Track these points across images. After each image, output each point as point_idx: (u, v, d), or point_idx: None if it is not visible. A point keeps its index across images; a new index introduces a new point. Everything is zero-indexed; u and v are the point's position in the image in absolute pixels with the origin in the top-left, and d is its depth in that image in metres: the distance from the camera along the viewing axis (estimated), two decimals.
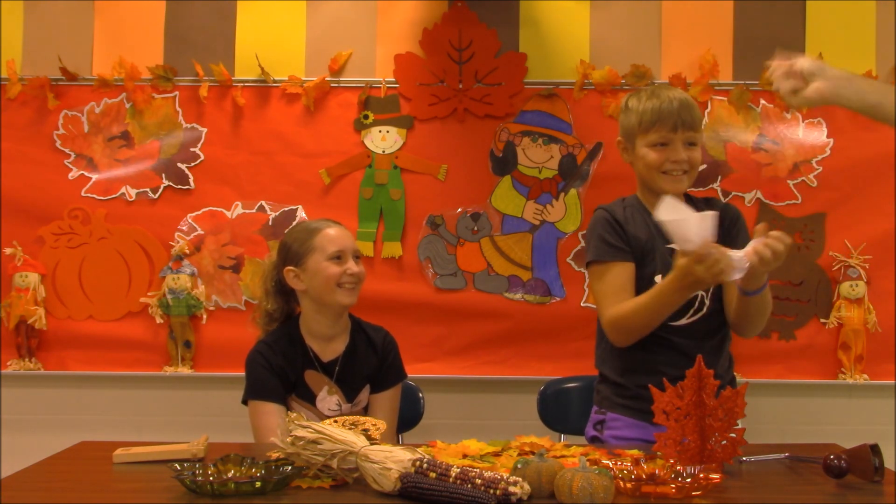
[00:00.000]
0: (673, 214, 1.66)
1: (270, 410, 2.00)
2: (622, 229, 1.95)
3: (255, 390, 2.04)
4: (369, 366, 2.11)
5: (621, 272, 1.92)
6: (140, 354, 2.93)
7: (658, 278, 1.90)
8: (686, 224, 1.65)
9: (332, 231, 2.09)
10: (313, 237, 2.08)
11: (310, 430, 1.48)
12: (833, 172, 2.91)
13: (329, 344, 2.10)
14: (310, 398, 2.05)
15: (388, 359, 2.13)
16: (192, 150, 2.97)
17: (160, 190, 2.96)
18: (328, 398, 2.05)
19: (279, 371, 2.04)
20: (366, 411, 2.10)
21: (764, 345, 2.91)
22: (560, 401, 2.49)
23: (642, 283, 1.93)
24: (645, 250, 1.94)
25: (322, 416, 1.99)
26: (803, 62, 1.64)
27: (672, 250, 1.85)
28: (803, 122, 2.93)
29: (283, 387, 2.04)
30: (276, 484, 1.40)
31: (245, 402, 2.06)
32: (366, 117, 2.96)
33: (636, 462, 1.50)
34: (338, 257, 2.05)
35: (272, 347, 2.07)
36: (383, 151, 2.97)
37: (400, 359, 2.17)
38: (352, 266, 2.05)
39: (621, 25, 2.97)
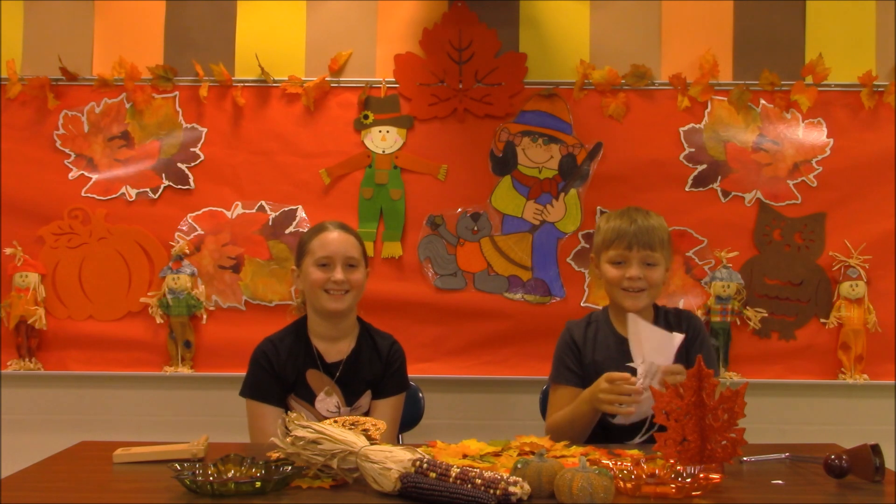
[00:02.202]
0: (642, 327, 1.84)
1: (267, 413, 2.01)
2: (579, 352, 2.11)
3: (255, 390, 2.05)
4: (372, 371, 2.09)
5: (567, 394, 2.07)
6: (140, 354, 2.93)
7: None
8: (654, 337, 1.82)
9: (329, 235, 2.07)
10: (311, 239, 2.08)
11: (310, 430, 1.48)
12: (833, 172, 2.91)
13: (334, 345, 2.10)
14: (309, 398, 2.05)
15: (392, 367, 2.11)
16: (192, 150, 2.97)
17: (160, 190, 2.96)
18: (327, 399, 2.05)
19: (280, 372, 2.04)
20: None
21: (764, 345, 2.91)
22: None
23: None
24: (599, 371, 1.98)
25: (320, 417, 1.99)
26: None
27: (630, 370, 1.90)
28: (803, 122, 2.94)
29: (282, 388, 2.04)
30: (276, 484, 1.40)
31: (241, 395, 2.07)
32: (366, 117, 2.96)
33: (636, 462, 1.50)
34: (324, 264, 2.04)
35: (277, 346, 2.07)
36: (383, 151, 2.97)
37: (405, 370, 2.15)
38: (337, 274, 2.03)
39: (621, 25, 2.97)
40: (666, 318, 2.11)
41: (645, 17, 2.97)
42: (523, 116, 2.96)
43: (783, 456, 1.70)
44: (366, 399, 2.09)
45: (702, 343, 2.08)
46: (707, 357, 1.98)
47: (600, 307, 2.27)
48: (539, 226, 2.95)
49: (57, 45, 2.96)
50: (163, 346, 2.93)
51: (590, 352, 2.09)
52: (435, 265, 2.95)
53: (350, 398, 2.07)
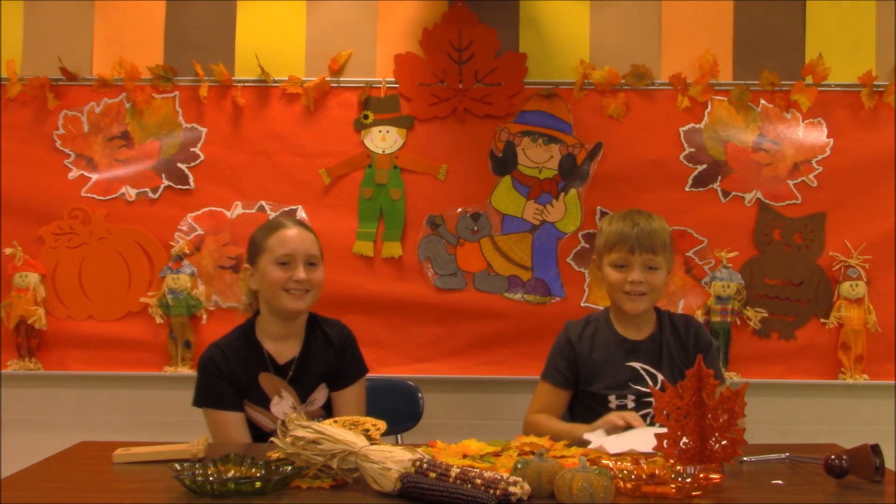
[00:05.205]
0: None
1: (230, 420, 1.95)
2: (573, 353, 2.11)
3: (211, 399, 1.97)
4: (326, 363, 2.04)
5: (551, 393, 2.12)
6: (140, 354, 2.93)
7: (612, 397, 2.04)
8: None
9: (287, 232, 2.00)
10: (268, 237, 2.01)
11: (310, 430, 1.48)
12: (833, 172, 2.91)
13: (285, 344, 2.03)
14: (264, 402, 1.99)
15: (347, 354, 2.06)
16: (192, 150, 2.96)
17: (160, 190, 2.96)
18: (282, 402, 2.00)
19: (231, 377, 1.97)
20: (326, 410, 2.04)
21: (764, 345, 2.91)
22: None
23: (594, 399, 2.06)
24: (597, 370, 2.07)
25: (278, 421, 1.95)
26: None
27: (629, 368, 2.05)
28: (803, 122, 2.93)
29: (237, 393, 1.98)
30: (276, 484, 1.40)
31: (197, 405, 1.99)
32: (366, 117, 2.96)
33: (636, 462, 1.50)
34: (284, 262, 1.97)
35: (225, 352, 1.99)
36: (383, 151, 2.97)
37: (359, 353, 2.10)
38: (299, 273, 1.96)
39: (621, 25, 2.97)
40: (671, 321, 2.11)
41: (645, 17, 2.97)
42: (523, 116, 2.96)
43: (783, 456, 1.70)
44: (320, 392, 2.03)
45: (707, 352, 2.06)
46: (713, 365, 1.99)
47: (600, 307, 2.28)
48: (539, 226, 2.95)
49: (57, 45, 2.96)
50: (163, 346, 2.92)
51: (587, 351, 2.10)
52: (435, 265, 2.95)
53: (304, 394, 2.01)
